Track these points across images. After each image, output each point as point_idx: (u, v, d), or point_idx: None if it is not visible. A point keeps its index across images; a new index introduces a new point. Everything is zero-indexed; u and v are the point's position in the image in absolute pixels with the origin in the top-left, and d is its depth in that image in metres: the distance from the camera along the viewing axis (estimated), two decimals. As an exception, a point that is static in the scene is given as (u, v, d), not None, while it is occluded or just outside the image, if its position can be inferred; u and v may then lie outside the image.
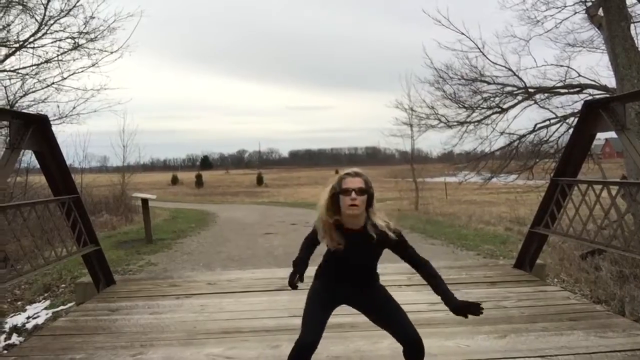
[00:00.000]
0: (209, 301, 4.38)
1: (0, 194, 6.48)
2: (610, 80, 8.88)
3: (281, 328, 3.55)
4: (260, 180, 49.75)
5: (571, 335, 3.23)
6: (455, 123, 11.39)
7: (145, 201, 11.25)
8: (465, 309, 2.23)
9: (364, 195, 2.30)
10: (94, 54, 9.88)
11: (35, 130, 4.02)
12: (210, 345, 3.32)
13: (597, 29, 8.95)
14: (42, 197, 6.67)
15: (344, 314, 3.85)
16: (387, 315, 2.48)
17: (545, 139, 10.43)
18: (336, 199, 2.36)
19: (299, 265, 2.44)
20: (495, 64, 10.48)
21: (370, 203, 2.37)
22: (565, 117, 9.98)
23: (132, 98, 17.61)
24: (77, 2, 9.25)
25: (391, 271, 5.17)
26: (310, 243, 2.57)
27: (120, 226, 13.78)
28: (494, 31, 12.81)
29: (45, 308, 5.72)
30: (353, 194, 2.27)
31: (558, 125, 10.14)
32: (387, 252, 2.43)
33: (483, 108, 10.86)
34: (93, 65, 9.90)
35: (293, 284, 2.38)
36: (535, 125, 10.40)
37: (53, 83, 9.74)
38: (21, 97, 9.61)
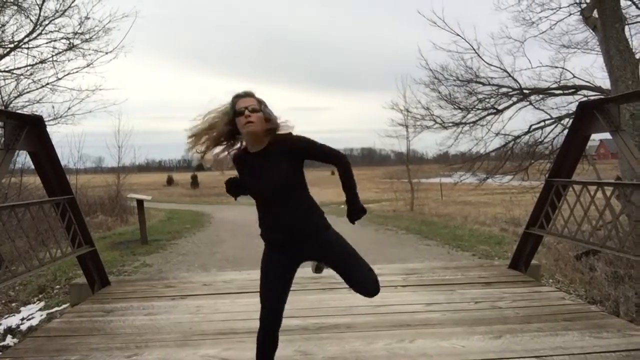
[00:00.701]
0: (204, 302, 4.37)
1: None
2: (604, 82, 8.95)
3: (277, 329, 3.54)
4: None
5: (566, 336, 3.24)
6: (450, 124, 11.43)
7: (140, 202, 11.22)
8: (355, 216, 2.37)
9: (257, 113, 2.27)
10: (89, 54, 9.87)
11: (29, 131, 4.00)
12: (206, 346, 3.31)
13: (591, 31, 8.99)
14: (37, 198, 6.64)
15: (340, 315, 3.87)
16: (344, 272, 2.41)
17: (540, 140, 10.49)
18: (233, 125, 2.32)
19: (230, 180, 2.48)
20: (491, 65, 10.54)
21: (270, 121, 2.31)
22: (560, 118, 10.03)
23: (127, 99, 17.49)
24: (72, 2, 9.24)
25: (387, 272, 5.19)
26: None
27: (115, 227, 13.72)
28: (489, 32, 12.89)
29: (40, 309, 5.68)
30: (247, 112, 2.25)
31: (553, 126, 10.20)
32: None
33: (478, 109, 10.90)
34: (88, 65, 9.88)
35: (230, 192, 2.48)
36: (530, 126, 10.46)
37: (48, 83, 9.72)
38: (16, 97, 9.58)
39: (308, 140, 2.32)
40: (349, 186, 2.36)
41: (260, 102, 2.32)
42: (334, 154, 2.35)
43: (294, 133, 2.33)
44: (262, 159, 2.30)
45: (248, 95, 2.34)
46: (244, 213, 18.75)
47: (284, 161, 2.27)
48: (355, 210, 2.36)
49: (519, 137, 10.70)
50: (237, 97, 2.33)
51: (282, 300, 2.38)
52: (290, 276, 2.42)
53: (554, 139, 10.18)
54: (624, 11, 7.94)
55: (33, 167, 4.54)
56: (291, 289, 2.45)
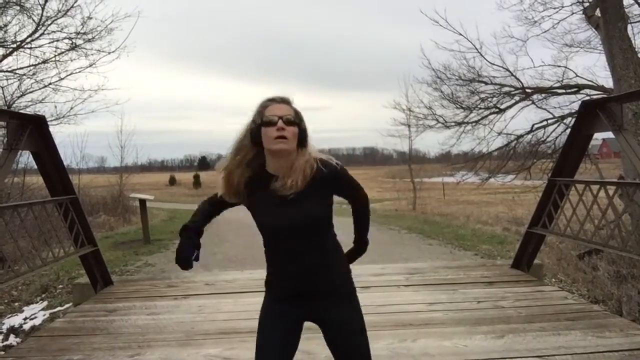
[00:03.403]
0: (206, 302, 4.37)
1: (-3, 194, 6.46)
2: (607, 81, 8.93)
3: (279, 328, 3.54)
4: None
5: (569, 335, 3.23)
6: (452, 123, 11.43)
7: (143, 202, 11.24)
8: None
9: (293, 126, 1.75)
10: (92, 54, 9.89)
11: (32, 131, 4.01)
12: (208, 345, 3.31)
13: (594, 30, 8.98)
14: (40, 198, 6.65)
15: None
16: (338, 356, 1.91)
17: (542, 139, 10.47)
18: (257, 135, 1.77)
19: (186, 232, 1.93)
20: (493, 64, 10.54)
21: (304, 141, 1.80)
22: (562, 118, 10.01)
23: (130, 98, 17.57)
24: (75, 2, 9.26)
25: (389, 271, 5.19)
26: (212, 202, 2.01)
27: (117, 227, 13.76)
28: (491, 32, 12.88)
29: (43, 309, 5.70)
30: (280, 123, 1.72)
31: (555, 125, 10.19)
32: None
33: (481, 108, 10.90)
34: (90, 65, 9.90)
35: (182, 261, 1.85)
36: (533, 125, 10.45)
37: (50, 83, 9.74)
38: (18, 97, 9.61)
39: (349, 175, 1.87)
40: (366, 228, 2.06)
41: (298, 114, 1.81)
42: (364, 193, 1.98)
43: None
44: (283, 185, 1.74)
45: (284, 101, 1.81)
46: (247, 212, 18.78)
47: (318, 194, 1.77)
48: (361, 252, 2.09)
49: (521, 136, 10.69)
50: (270, 102, 1.80)
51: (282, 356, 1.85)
52: (294, 333, 1.89)
53: (556, 138, 10.18)
54: (626, 10, 7.92)
55: (36, 167, 4.55)
56: None
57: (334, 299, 1.84)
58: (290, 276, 1.81)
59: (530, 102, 10.43)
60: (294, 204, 1.73)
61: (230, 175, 1.82)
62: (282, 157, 1.75)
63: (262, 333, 1.87)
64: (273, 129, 1.71)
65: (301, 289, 1.82)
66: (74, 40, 9.62)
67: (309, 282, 1.81)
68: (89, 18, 9.49)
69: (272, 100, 1.81)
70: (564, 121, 9.92)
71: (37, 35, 9.26)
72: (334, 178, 1.80)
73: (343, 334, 1.86)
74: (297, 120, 1.77)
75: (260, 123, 1.75)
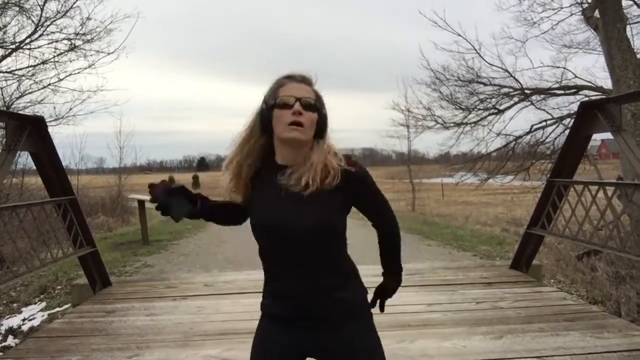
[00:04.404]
0: (205, 302, 4.37)
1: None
2: (606, 82, 8.94)
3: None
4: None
5: (567, 336, 3.24)
6: (451, 124, 11.44)
7: (141, 202, 11.23)
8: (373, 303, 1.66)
9: (313, 112, 1.42)
10: (91, 55, 9.89)
11: (31, 132, 4.00)
12: (207, 346, 3.31)
13: (593, 31, 8.99)
14: (38, 199, 6.65)
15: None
16: None
17: (541, 140, 10.49)
18: (267, 118, 1.45)
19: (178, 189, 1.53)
20: (492, 65, 10.55)
21: (322, 131, 1.47)
22: (561, 118, 10.03)
23: (129, 99, 17.57)
24: (74, 3, 9.25)
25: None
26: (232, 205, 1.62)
27: (116, 228, 13.75)
28: (490, 33, 12.90)
29: (41, 310, 5.69)
30: (297, 106, 1.39)
31: (554, 126, 10.20)
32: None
33: (479, 109, 10.91)
34: (89, 66, 9.90)
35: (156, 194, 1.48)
36: (532, 126, 10.47)
37: (49, 84, 9.74)
38: (17, 98, 9.60)
39: (375, 185, 1.52)
40: (398, 256, 1.70)
41: (320, 98, 1.48)
42: (391, 212, 1.63)
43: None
44: (297, 181, 1.40)
45: (305, 81, 1.47)
46: (245, 213, 18.77)
47: (337, 198, 1.42)
48: (395, 287, 1.73)
49: (520, 137, 10.71)
50: (287, 79, 1.46)
51: None
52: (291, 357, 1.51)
53: (555, 139, 10.19)
54: (625, 11, 7.94)
55: (34, 167, 4.55)
56: None
57: (351, 329, 1.48)
58: (286, 294, 1.46)
59: (529, 103, 10.45)
60: (306, 205, 1.39)
61: (240, 168, 1.50)
62: (295, 148, 1.43)
63: None
64: (288, 113, 1.39)
65: (308, 313, 1.45)
66: (73, 41, 9.63)
67: (318, 305, 1.45)
68: (88, 19, 9.50)
69: (290, 78, 1.46)
70: (563, 122, 9.94)
71: (36, 36, 9.27)
72: (360, 183, 1.46)
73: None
74: (317, 105, 1.44)
75: (272, 104, 1.43)
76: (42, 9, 9.06)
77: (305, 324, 1.45)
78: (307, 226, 1.38)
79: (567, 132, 5.82)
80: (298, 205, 1.39)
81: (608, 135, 4.12)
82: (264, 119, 1.45)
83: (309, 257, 1.42)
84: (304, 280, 1.43)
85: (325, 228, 1.41)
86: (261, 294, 1.56)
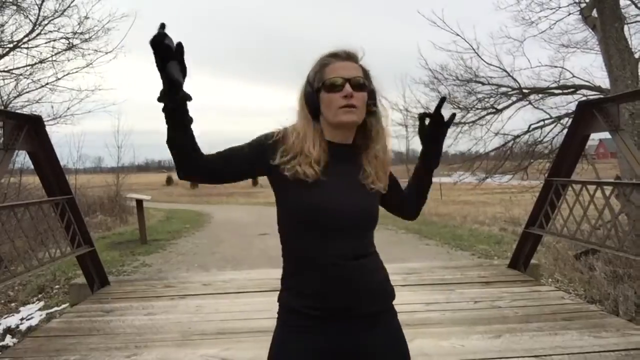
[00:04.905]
0: (204, 302, 4.37)
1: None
2: (604, 81, 8.95)
3: (276, 329, 3.54)
4: (255, 181, 49.68)
5: (565, 335, 3.24)
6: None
7: (139, 202, 11.22)
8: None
9: (363, 91, 1.33)
10: (89, 54, 9.88)
11: (29, 131, 4.00)
12: (206, 346, 3.31)
13: (591, 30, 9.00)
14: (36, 198, 6.64)
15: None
16: None
17: (539, 139, 10.48)
18: (313, 102, 1.35)
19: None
20: (490, 64, 10.53)
21: (373, 105, 1.39)
22: (559, 118, 10.03)
23: (127, 99, 17.57)
24: (72, 2, 9.23)
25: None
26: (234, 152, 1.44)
27: (114, 227, 13.74)
28: (488, 32, 12.90)
29: (39, 309, 5.68)
30: (347, 88, 1.30)
31: (552, 125, 10.20)
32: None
33: (477, 109, 10.90)
34: (87, 65, 9.89)
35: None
36: (530, 125, 10.45)
37: (47, 83, 9.72)
38: (15, 97, 9.58)
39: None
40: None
41: (368, 75, 1.38)
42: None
43: None
44: (348, 161, 1.37)
45: (351, 58, 1.36)
46: (245, 213, 18.77)
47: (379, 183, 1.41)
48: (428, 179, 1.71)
49: (518, 136, 10.70)
50: (332, 58, 1.35)
51: None
52: None
53: (553, 138, 10.19)
54: (623, 10, 7.94)
55: (32, 167, 4.54)
56: None
57: (386, 316, 1.51)
58: (337, 284, 1.33)
59: (527, 102, 10.45)
60: (362, 190, 1.36)
61: (304, 141, 1.34)
62: (348, 129, 1.36)
63: None
64: (337, 96, 1.29)
65: (351, 305, 1.37)
66: (70, 40, 9.61)
67: (366, 295, 1.41)
68: (86, 18, 9.47)
69: (335, 56, 1.35)
70: (561, 121, 9.94)
71: (33, 35, 9.25)
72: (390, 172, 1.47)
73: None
74: (367, 84, 1.35)
75: (319, 87, 1.33)
76: (39, 8, 9.05)
77: (347, 317, 1.37)
78: (362, 209, 1.36)
79: (565, 131, 5.83)
80: (355, 186, 1.36)
81: (606, 135, 4.12)
82: (310, 103, 1.35)
83: (361, 241, 1.39)
84: (357, 265, 1.36)
85: (372, 213, 1.41)
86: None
